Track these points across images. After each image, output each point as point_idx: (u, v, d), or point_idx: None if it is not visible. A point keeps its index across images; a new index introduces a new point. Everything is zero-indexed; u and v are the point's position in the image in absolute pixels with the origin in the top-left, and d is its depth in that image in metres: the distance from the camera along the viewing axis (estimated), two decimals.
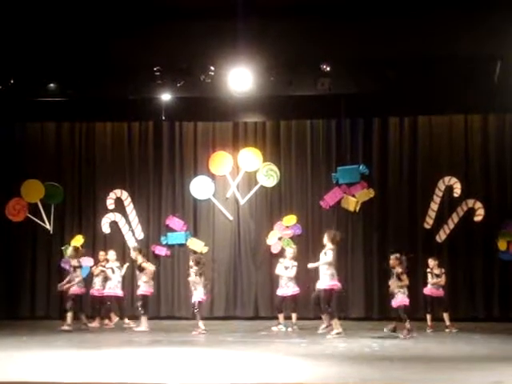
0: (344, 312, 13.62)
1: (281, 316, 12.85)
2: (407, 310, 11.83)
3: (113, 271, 13.53)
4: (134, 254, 13.15)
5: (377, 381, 7.66)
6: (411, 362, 9.04)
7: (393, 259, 11.95)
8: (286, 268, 12.90)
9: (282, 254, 13.46)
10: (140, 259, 13.00)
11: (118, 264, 13.72)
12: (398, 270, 11.83)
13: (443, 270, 12.74)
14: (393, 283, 11.86)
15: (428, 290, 12.70)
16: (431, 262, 12.75)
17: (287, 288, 12.87)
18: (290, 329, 12.61)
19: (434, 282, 12.59)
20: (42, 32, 11.29)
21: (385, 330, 11.97)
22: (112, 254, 13.74)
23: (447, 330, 12.35)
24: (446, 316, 12.57)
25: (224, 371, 8.28)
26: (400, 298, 11.77)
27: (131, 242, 14.70)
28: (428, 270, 12.72)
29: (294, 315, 12.81)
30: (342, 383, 7.49)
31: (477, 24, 10.97)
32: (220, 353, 9.91)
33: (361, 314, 14.15)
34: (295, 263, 12.92)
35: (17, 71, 12.37)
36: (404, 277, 11.83)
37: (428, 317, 12.56)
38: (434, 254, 13.80)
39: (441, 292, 12.65)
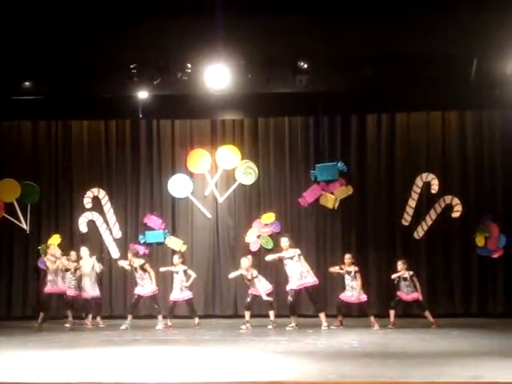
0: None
1: (248, 314, 12.86)
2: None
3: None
4: (129, 256, 13.17)
5: (357, 377, 7.65)
6: (391, 358, 9.05)
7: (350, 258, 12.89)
8: (249, 280, 12.87)
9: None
10: (140, 261, 13.05)
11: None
12: (356, 268, 12.78)
13: (411, 273, 12.79)
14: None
15: (401, 293, 12.77)
16: (399, 266, 12.81)
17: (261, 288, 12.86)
18: (270, 326, 12.63)
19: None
20: (17, 30, 11.15)
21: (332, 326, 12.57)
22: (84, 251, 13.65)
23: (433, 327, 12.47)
24: (427, 313, 12.70)
25: (204, 369, 8.24)
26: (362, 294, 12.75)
27: (109, 241, 14.63)
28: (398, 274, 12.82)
29: (271, 313, 12.82)
30: (322, 380, 7.48)
31: (454, 23, 10.99)
32: (199, 351, 9.88)
33: None
34: (255, 273, 12.87)
35: None
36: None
37: (391, 313, 12.68)
38: (409, 252, 13.97)
39: (415, 295, 12.74)
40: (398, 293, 12.76)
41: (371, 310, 12.92)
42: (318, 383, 7.40)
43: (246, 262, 12.94)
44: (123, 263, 13.32)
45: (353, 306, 13.23)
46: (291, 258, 12.61)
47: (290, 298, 12.62)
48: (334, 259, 14.03)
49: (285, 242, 12.82)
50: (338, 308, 12.99)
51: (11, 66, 12.10)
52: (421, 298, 12.75)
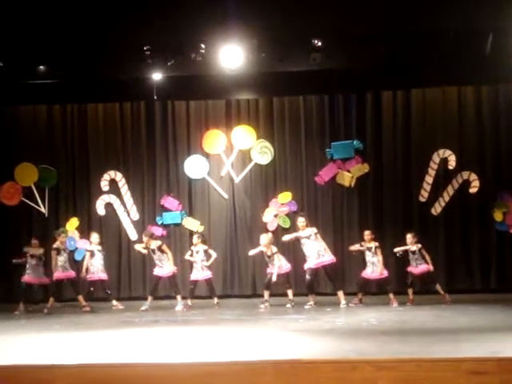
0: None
1: (267, 293, 12.89)
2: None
3: (93, 254, 13.50)
4: (145, 239, 13.17)
5: (376, 354, 7.67)
6: (409, 335, 9.06)
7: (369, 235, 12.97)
8: (269, 257, 12.89)
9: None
10: (157, 243, 13.09)
11: (99, 247, 13.68)
12: (376, 244, 12.79)
13: (419, 246, 12.79)
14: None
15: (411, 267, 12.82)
16: (409, 239, 12.80)
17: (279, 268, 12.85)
18: (288, 305, 12.66)
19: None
20: (31, 14, 11.15)
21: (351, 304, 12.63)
22: (95, 237, 13.71)
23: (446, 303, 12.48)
24: (438, 287, 12.72)
25: (224, 349, 8.29)
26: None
27: (127, 223, 14.70)
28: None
29: (289, 292, 12.85)
30: (341, 358, 7.50)
31: None
32: (219, 331, 9.93)
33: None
34: (274, 250, 12.90)
35: (6, 54, 12.25)
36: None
37: (409, 291, 12.70)
38: (427, 229, 13.92)
39: (424, 267, 12.73)
40: (409, 268, 12.78)
41: (390, 288, 12.92)
42: (336, 361, 7.42)
43: (265, 238, 12.95)
44: (138, 247, 13.36)
45: (372, 284, 13.24)
46: (308, 238, 12.63)
47: (307, 277, 12.66)
48: (351, 237, 14.03)
49: (301, 221, 12.82)
50: (359, 286, 13.00)
51: (26, 50, 12.14)
52: (432, 269, 12.74)
